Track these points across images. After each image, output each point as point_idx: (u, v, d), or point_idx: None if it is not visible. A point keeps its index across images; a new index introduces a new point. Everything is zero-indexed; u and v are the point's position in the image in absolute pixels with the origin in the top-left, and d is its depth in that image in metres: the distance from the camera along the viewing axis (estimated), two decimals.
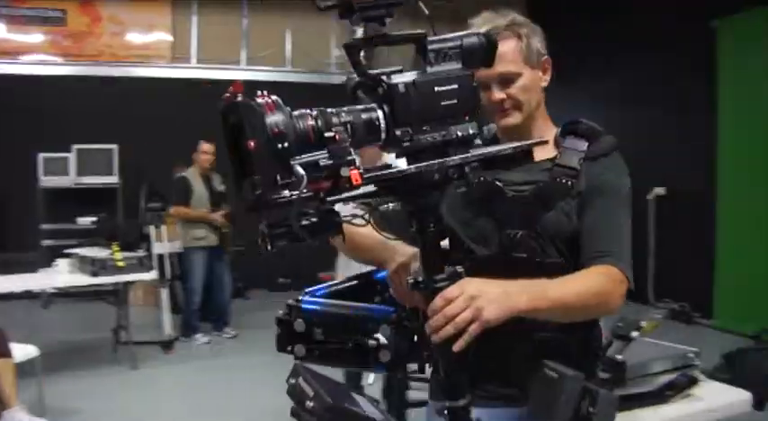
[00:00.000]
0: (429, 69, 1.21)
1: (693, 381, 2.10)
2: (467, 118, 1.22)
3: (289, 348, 1.41)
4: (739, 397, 2.16)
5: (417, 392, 4.26)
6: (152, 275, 5.53)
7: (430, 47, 1.22)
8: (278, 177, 1.04)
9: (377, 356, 1.37)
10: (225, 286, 6.31)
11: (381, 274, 1.53)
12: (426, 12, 1.22)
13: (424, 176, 1.19)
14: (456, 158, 1.20)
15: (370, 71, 1.19)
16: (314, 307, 1.44)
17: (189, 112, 7.21)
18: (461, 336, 1.20)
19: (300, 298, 1.46)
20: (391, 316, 1.40)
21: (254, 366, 5.11)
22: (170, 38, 8.48)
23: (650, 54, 7.79)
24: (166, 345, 5.74)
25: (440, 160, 1.19)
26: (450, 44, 1.23)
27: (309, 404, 1.28)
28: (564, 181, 1.53)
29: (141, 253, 5.76)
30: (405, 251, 1.47)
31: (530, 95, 1.63)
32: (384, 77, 1.18)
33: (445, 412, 1.25)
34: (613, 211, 1.60)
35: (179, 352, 5.78)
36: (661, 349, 2.15)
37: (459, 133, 1.21)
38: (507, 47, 1.57)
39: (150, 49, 8.46)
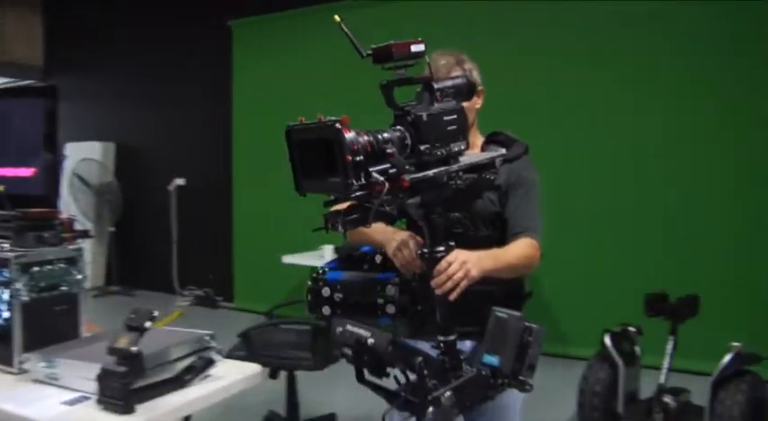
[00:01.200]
0: (436, 104, 1.71)
1: (210, 362, 2.20)
2: (461, 137, 1.73)
3: (317, 310, 1.96)
4: (253, 370, 2.34)
5: None
6: None
7: (436, 87, 1.73)
8: (353, 181, 1.47)
9: (384, 310, 1.89)
10: None
11: (366, 248, 2.12)
12: (428, 60, 1.71)
13: (437, 179, 1.67)
14: (454, 167, 1.70)
15: (400, 104, 1.67)
16: (335, 277, 1.97)
17: None
18: (455, 290, 1.77)
19: (321, 271, 2.00)
20: (394, 279, 1.90)
21: None
22: None
23: (172, 52, 7.98)
24: None
25: (446, 167, 1.69)
26: (448, 85, 1.77)
27: (371, 341, 1.72)
28: (488, 177, 1.96)
29: None
30: (400, 234, 2.02)
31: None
32: (411, 109, 1.65)
33: (441, 345, 1.75)
34: (529, 199, 2.33)
35: None
36: (179, 335, 2.23)
37: (456, 148, 1.71)
38: None
39: None
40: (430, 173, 1.64)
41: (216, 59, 7.60)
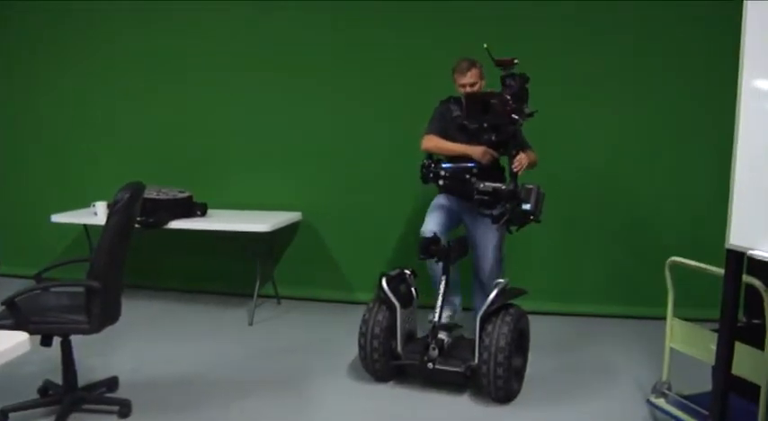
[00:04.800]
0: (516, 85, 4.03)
1: None
2: (527, 102, 4.04)
3: (436, 182, 4.19)
4: (18, 339, 2.19)
5: None
6: None
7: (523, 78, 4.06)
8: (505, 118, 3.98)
9: (470, 180, 4.11)
10: None
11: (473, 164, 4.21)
12: (516, 61, 4.00)
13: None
14: (525, 114, 4.02)
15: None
16: (447, 166, 4.17)
17: None
18: (522, 168, 4.12)
19: (433, 163, 4.19)
20: (475, 167, 4.16)
21: None
22: None
23: None
24: None
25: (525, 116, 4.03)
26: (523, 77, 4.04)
27: (503, 187, 4.01)
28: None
29: None
30: (480, 146, 4.19)
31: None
32: (509, 92, 3.97)
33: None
34: (524, 136, 4.40)
35: None
36: None
37: (525, 107, 4.00)
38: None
39: None
40: (523, 117, 3.98)
41: None
